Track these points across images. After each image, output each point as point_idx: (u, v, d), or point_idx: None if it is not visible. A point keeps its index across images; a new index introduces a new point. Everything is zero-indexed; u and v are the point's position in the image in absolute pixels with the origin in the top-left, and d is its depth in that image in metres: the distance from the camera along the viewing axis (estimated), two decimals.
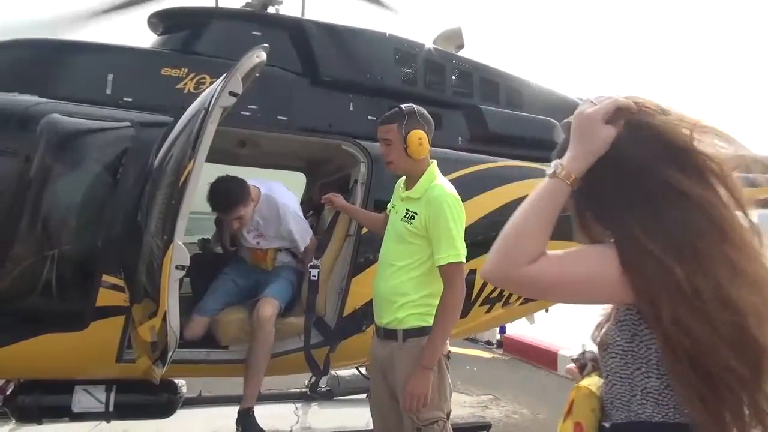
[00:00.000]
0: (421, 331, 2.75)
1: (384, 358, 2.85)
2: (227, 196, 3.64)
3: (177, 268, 2.42)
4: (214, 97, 2.55)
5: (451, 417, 2.82)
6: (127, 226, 3.19)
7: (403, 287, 2.79)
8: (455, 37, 5.02)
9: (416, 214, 2.78)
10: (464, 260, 2.71)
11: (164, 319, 2.43)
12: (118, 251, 3.25)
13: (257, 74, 3.29)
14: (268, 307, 3.58)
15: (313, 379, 5.17)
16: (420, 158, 2.85)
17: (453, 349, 2.98)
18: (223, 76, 2.66)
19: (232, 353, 3.73)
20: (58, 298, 3.29)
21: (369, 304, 3.93)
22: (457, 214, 2.74)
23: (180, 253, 2.43)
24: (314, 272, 3.76)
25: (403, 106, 2.90)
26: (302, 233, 3.93)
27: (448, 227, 2.69)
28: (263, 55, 2.70)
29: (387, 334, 2.83)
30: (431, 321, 2.76)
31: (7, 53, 3.68)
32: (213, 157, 5.20)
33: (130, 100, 3.68)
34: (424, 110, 2.92)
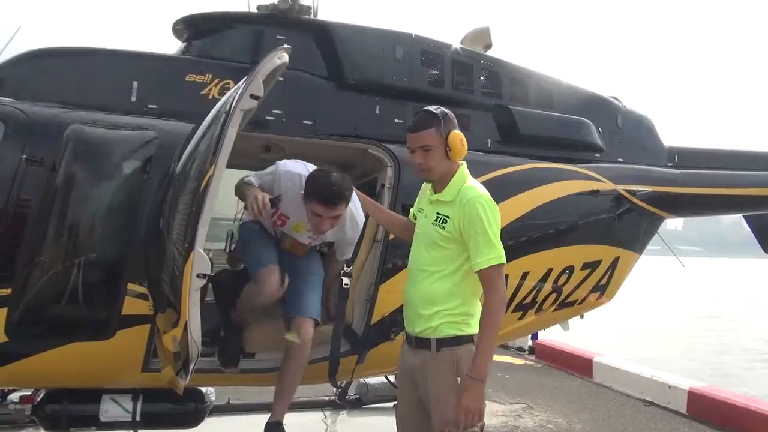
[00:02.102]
0: (456, 341, 2.65)
1: (416, 368, 2.73)
2: (341, 188, 3.09)
3: (198, 276, 2.36)
4: (235, 100, 2.49)
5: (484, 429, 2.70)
6: (151, 233, 3.16)
7: (436, 294, 2.68)
8: (483, 37, 4.89)
9: (448, 217, 2.67)
10: (505, 262, 2.60)
11: (185, 328, 2.37)
12: (142, 259, 3.22)
13: (280, 77, 3.26)
14: (310, 329, 3.37)
15: (342, 387, 5.09)
16: (460, 159, 2.78)
17: None
18: (244, 78, 2.60)
19: (259, 362, 3.66)
20: (85, 307, 3.28)
21: (398, 312, 3.84)
22: (493, 216, 2.63)
23: (201, 261, 2.37)
24: (346, 281, 3.67)
25: (432, 108, 2.78)
26: (354, 246, 3.66)
27: (485, 229, 2.58)
28: (285, 57, 2.63)
29: (419, 343, 2.72)
30: (466, 330, 2.66)
31: (32, 63, 3.69)
32: (237, 163, 5.18)
33: (154, 107, 3.67)
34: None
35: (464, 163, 2.82)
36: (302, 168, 3.32)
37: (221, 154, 2.43)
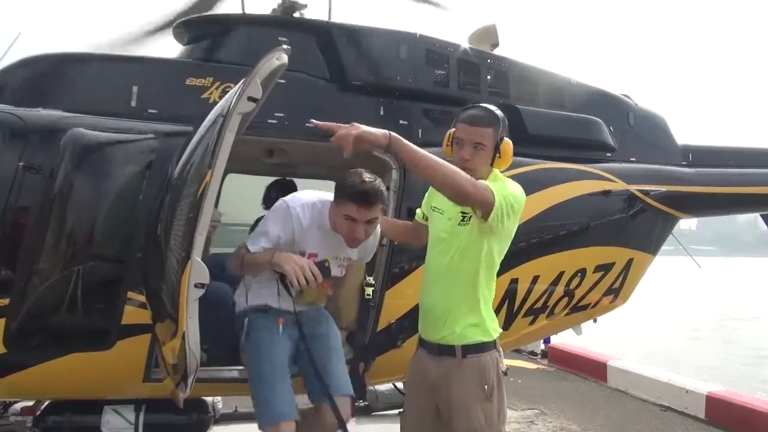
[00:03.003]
0: (480, 347, 2.58)
1: (438, 376, 2.61)
2: (377, 187, 2.68)
3: (196, 286, 2.27)
4: (232, 103, 2.40)
5: None
6: (149, 241, 3.08)
7: (457, 298, 2.59)
8: (490, 35, 4.78)
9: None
10: (496, 197, 2.46)
11: (183, 340, 2.29)
12: (142, 267, 3.15)
13: (281, 80, 3.17)
14: (351, 408, 2.93)
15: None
16: (502, 169, 2.71)
17: None
18: (242, 81, 2.52)
19: None
20: (84, 317, 3.22)
21: (405, 318, 3.76)
22: (513, 196, 2.54)
23: (199, 270, 2.28)
24: (369, 290, 3.60)
25: (492, 108, 2.69)
26: (375, 249, 3.23)
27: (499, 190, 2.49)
28: (284, 58, 2.54)
29: (442, 350, 2.61)
30: (492, 334, 2.60)
31: (31, 68, 3.65)
32: (240, 167, 5.14)
33: (155, 111, 3.61)
34: None
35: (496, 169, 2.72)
36: (312, 194, 2.93)
37: (218, 159, 2.34)
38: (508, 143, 2.67)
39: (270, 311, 2.84)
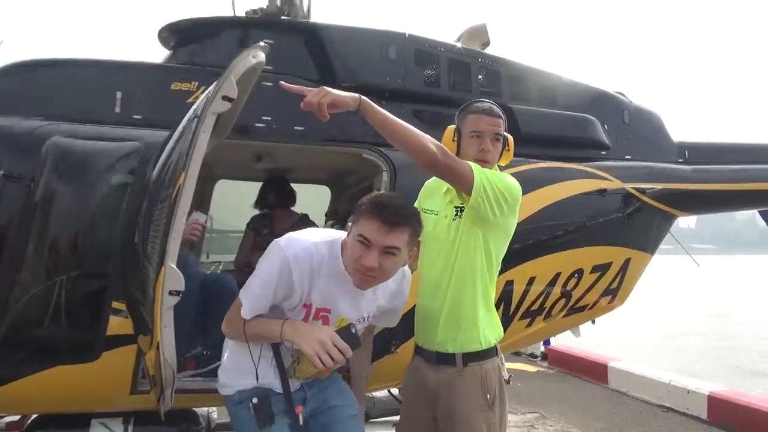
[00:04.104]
0: (482, 355, 2.49)
1: (437, 386, 2.51)
2: (408, 210, 2.18)
3: (170, 293, 2.19)
4: (207, 103, 2.32)
5: None
6: (127, 248, 3.00)
7: (456, 304, 2.49)
8: (480, 34, 4.72)
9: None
10: (475, 171, 2.39)
11: (158, 350, 2.20)
12: (122, 277, 3.07)
13: (268, 83, 3.09)
14: None
15: None
16: (504, 164, 2.74)
17: None
18: (217, 80, 2.44)
19: None
20: (68, 329, 3.15)
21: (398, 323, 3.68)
22: (505, 188, 2.46)
23: (173, 277, 2.20)
24: None
25: (493, 103, 2.72)
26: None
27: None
28: (261, 55, 2.46)
29: (441, 359, 2.51)
30: (492, 341, 2.52)
31: (12, 76, 3.58)
32: (229, 173, 5.08)
33: (139, 117, 3.54)
34: None
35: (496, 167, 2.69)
36: (315, 234, 2.29)
37: (192, 161, 2.26)
38: (511, 137, 2.71)
39: (260, 399, 2.19)
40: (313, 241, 2.19)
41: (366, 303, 2.28)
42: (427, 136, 2.35)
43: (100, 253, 3.23)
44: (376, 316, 2.40)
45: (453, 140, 2.67)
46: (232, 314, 2.22)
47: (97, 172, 3.33)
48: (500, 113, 2.67)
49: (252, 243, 4.58)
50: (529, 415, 6.11)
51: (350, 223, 2.19)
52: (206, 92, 2.70)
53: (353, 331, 2.12)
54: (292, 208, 4.66)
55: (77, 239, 3.26)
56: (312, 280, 2.15)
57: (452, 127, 2.72)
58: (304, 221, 4.53)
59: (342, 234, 2.24)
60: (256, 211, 4.73)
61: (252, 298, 2.18)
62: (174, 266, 2.21)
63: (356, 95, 2.27)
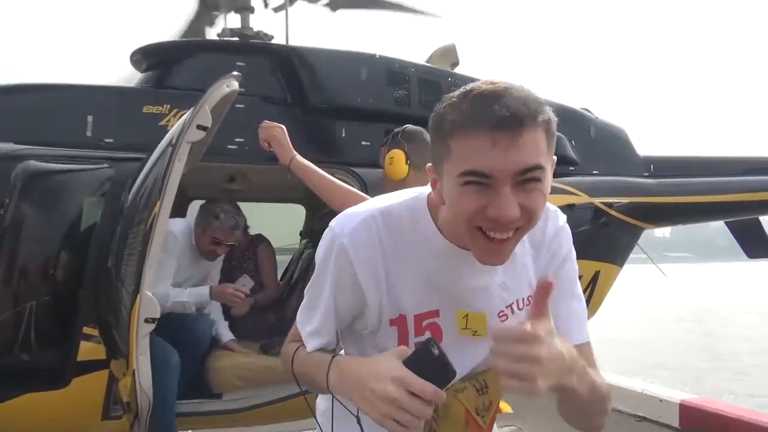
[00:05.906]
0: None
1: None
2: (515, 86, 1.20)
3: (146, 321, 2.20)
4: (181, 132, 2.36)
5: None
6: (100, 274, 3.00)
7: None
8: (450, 54, 4.83)
9: None
10: None
11: (134, 377, 2.21)
12: (95, 302, 3.06)
13: (240, 104, 3.13)
14: None
15: None
16: (396, 179, 2.67)
17: None
18: (191, 109, 2.48)
19: (228, 402, 3.49)
20: (38, 354, 3.12)
21: None
22: None
23: (149, 304, 2.21)
24: None
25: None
26: None
27: None
28: (234, 84, 2.51)
29: None
30: None
31: None
32: (202, 194, 5.06)
33: (111, 140, 3.54)
34: (413, 129, 2.73)
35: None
36: (369, 203, 1.32)
37: (168, 190, 2.29)
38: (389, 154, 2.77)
39: None
40: (380, 207, 1.26)
41: (506, 279, 1.30)
42: (351, 189, 2.50)
43: (72, 277, 3.22)
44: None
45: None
46: (287, 347, 1.38)
47: (68, 196, 3.33)
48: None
49: None
50: (506, 429, 6.14)
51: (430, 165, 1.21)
52: (182, 119, 2.72)
53: (433, 350, 1.06)
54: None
55: (48, 264, 3.25)
56: (390, 270, 1.23)
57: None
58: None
59: (422, 190, 1.29)
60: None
61: (304, 320, 1.33)
62: (150, 294, 2.23)
63: (292, 155, 2.51)
